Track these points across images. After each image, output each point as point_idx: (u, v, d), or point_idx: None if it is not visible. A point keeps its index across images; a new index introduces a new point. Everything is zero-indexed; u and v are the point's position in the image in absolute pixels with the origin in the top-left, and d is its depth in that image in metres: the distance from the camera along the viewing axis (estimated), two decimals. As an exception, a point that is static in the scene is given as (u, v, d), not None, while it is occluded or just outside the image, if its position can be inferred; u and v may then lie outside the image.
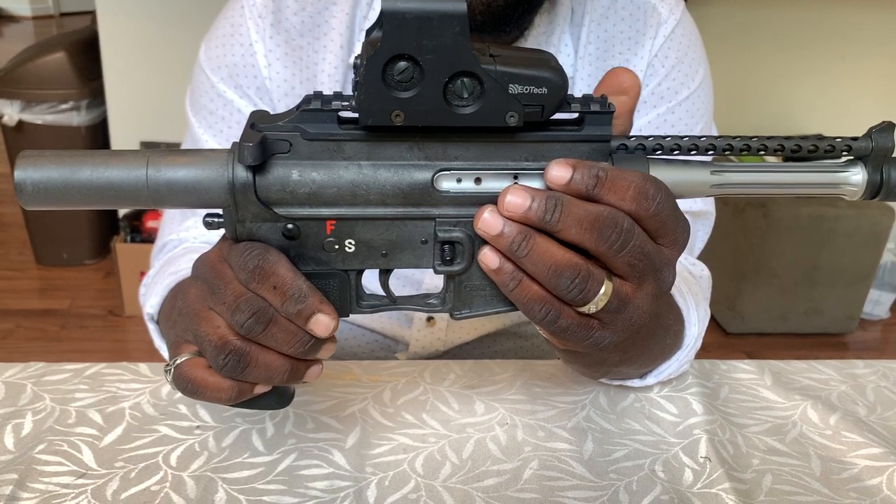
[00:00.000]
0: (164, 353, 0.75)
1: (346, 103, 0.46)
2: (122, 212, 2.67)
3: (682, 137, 0.49)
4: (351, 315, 0.51)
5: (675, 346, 0.73)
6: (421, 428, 0.69)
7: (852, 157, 0.50)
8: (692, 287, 0.78)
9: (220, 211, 0.48)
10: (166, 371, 0.53)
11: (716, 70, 0.95)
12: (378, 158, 0.47)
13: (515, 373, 0.78)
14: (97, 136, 2.69)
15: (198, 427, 0.68)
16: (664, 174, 0.49)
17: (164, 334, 0.72)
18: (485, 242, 0.47)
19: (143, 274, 2.01)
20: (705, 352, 0.79)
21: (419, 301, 0.52)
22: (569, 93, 0.47)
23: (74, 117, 2.63)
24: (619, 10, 0.83)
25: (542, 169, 0.47)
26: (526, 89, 0.44)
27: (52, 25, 6.92)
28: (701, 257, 0.89)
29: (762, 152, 0.50)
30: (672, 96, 0.83)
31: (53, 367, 0.75)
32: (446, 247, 0.49)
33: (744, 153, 0.50)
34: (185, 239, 0.83)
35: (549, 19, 0.82)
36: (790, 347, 2.56)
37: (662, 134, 0.50)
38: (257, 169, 0.46)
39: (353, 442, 0.67)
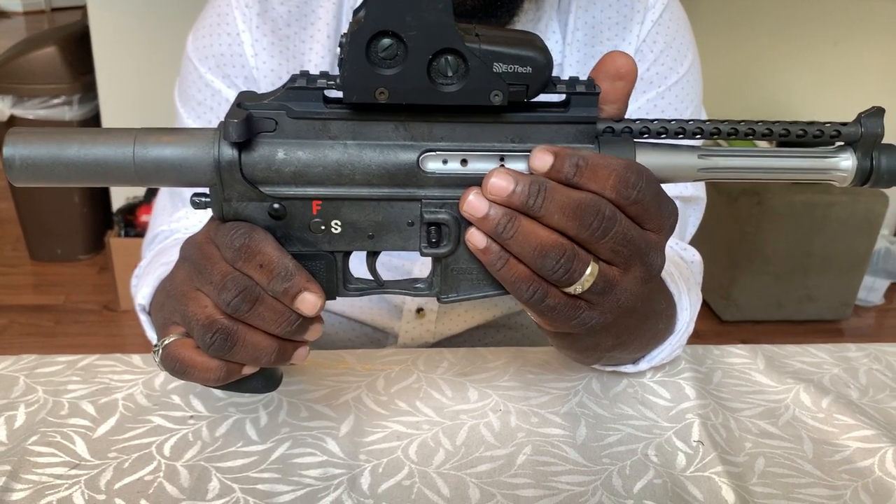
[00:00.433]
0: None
1: (331, 82, 0.46)
2: (115, 206, 2.67)
3: (669, 121, 0.49)
4: (338, 297, 0.51)
5: (667, 330, 0.73)
6: (414, 415, 0.70)
7: (842, 143, 0.50)
8: (683, 272, 0.78)
9: (207, 190, 0.48)
10: (154, 352, 0.53)
11: (708, 55, 0.95)
12: (364, 138, 0.47)
13: (508, 360, 0.78)
14: (90, 131, 2.68)
15: (191, 417, 0.68)
16: (651, 158, 0.49)
17: (154, 321, 0.72)
18: (471, 224, 0.47)
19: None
20: (701, 339, 0.79)
21: (406, 285, 0.52)
22: (556, 76, 0.47)
23: (66, 112, 2.62)
24: None
25: (529, 151, 0.47)
26: (510, 68, 0.44)
27: (43, 21, 6.89)
28: (695, 245, 0.89)
29: (750, 136, 0.49)
30: (661, 81, 0.83)
31: (46, 359, 0.75)
32: (432, 229, 0.49)
33: (732, 137, 0.50)
34: (176, 230, 0.83)
35: (537, 6, 0.82)
36: (785, 334, 2.57)
37: (650, 118, 0.49)
38: (243, 147, 0.46)
39: (347, 430, 0.67)
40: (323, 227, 0.49)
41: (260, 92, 0.81)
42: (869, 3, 2.62)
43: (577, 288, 0.47)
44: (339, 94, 0.45)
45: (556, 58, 0.83)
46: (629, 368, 0.74)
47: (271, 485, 0.61)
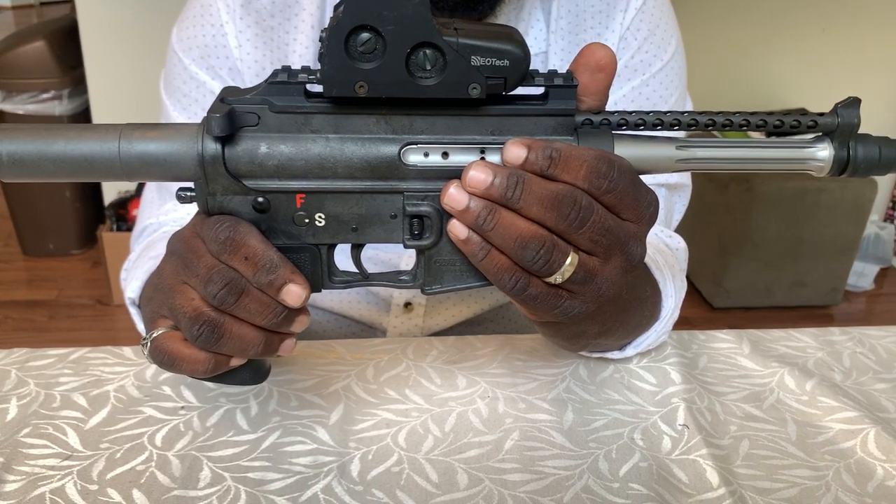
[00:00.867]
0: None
1: (312, 76, 0.47)
2: (107, 200, 2.66)
3: (647, 113, 0.49)
4: (323, 290, 0.52)
5: (652, 317, 0.74)
6: (403, 403, 0.70)
7: (820, 133, 0.50)
8: (668, 259, 0.79)
9: (192, 185, 0.48)
10: (143, 345, 0.54)
11: (695, 43, 0.95)
12: (345, 131, 0.48)
13: (496, 347, 0.79)
14: (80, 126, 2.67)
15: (182, 407, 0.69)
16: (629, 150, 0.49)
17: (143, 314, 0.72)
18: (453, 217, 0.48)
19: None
20: (691, 326, 0.80)
21: (391, 277, 0.53)
22: (537, 68, 0.47)
23: (56, 106, 2.61)
24: None
25: None
26: (488, 61, 0.45)
27: (32, 15, 6.84)
28: (685, 232, 0.90)
29: (727, 127, 0.50)
30: (645, 69, 0.84)
31: (37, 352, 0.76)
32: (415, 221, 0.50)
33: (709, 128, 0.50)
34: (164, 223, 0.84)
35: None
36: (776, 321, 2.59)
37: (628, 109, 0.50)
38: (226, 141, 0.47)
39: (337, 418, 0.68)
40: (307, 220, 0.49)
41: (244, 83, 0.82)
42: (857, -10, 2.62)
43: (557, 278, 0.48)
44: (321, 89, 0.46)
45: (541, 46, 0.84)
46: (615, 355, 0.75)
47: (262, 473, 0.62)
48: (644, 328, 0.73)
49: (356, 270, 0.53)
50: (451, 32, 0.44)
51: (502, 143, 0.48)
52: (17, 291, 2.69)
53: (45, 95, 2.60)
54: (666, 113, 0.49)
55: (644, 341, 0.74)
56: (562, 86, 0.48)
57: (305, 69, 0.47)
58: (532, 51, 0.78)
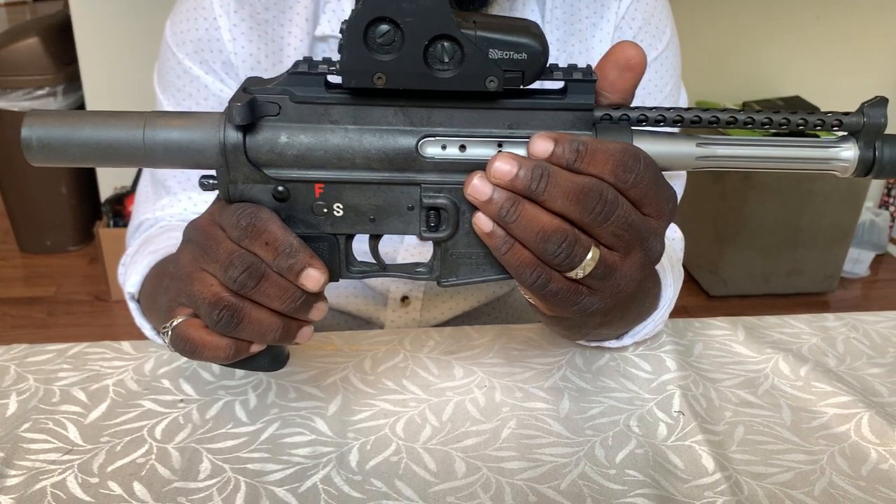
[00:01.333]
0: (147, 331, 0.76)
1: (332, 67, 0.47)
2: (104, 196, 2.66)
3: (667, 109, 0.49)
4: (341, 280, 0.52)
5: (652, 307, 0.74)
6: (401, 393, 0.71)
7: (844, 133, 0.49)
8: (667, 250, 0.79)
9: (214, 172, 0.49)
10: (163, 333, 0.54)
11: (688, 31, 0.95)
12: (364, 123, 0.48)
13: (493, 337, 0.80)
14: (75, 122, 2.67)
15: (181, 400, 0.69)
16: (649, 146, 0.49)
17: (149, 309, 0.73)
18: (472, 209, 0.48)
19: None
20: (688, 314, 0.81)
21: (408, 269, 0.53)
22: (554, 63, 0.47)
23: (51, 103, 2.61)
24: None
25: (527, 137, 0.48)
26: (506, 55, 0.45)
27: (25, 12, 6.82)
28: (682, 221, 0.90)
29: (749, 126, 0.49)
30: None
31: (36, 348, 0.76)
32: (432, 213, 0.50)
33: (730, 126, 0.49)
34: (160, 218, 0.84)
35: None
36: (772, 308, 2.59)
37: (647, 105, 0.50)
38: (247, 130, 0.48)
39: (335, 409, 0.69)
40: (325, 210, 0.50)
41: (238, 77, 0.82)
42: (851, -23, 2.62)
43: (578, 272, 0.48)
44: (340, 80, 0.46)
45: None
46: (613, 344, 0.76)
47: (262, 464, 0.62)
48: (643, 318, 0.74)
49: (373, 261, 0.53)
50: (470, 25, 0.45)
51: (520, 137, 0.48)
52: (14, 288, 2.69)
53: (39, 92, 2.60)
54: (686, 109, 0.49)
55: (642, 331, 0.75)
56: (581, 80, 0.48)
57: (327, 60, 0.47)
58: None
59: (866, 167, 0.49)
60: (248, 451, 0.64)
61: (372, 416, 0.68)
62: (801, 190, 2.46)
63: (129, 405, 0.69)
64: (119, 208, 2.59)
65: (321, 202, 0.50)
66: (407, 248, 0.86)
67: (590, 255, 0.47)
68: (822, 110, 0.49)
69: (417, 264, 0.53)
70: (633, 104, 0.50)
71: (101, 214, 2.63)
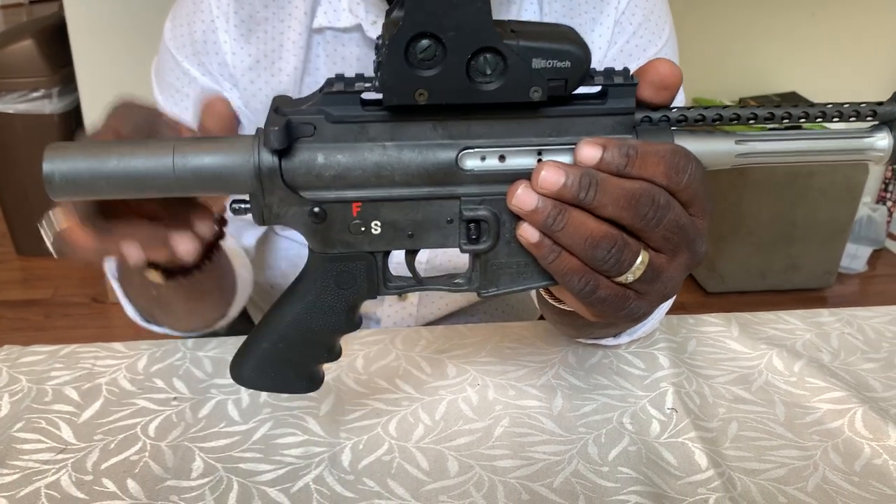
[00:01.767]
0: (130, 310, 0.76)
1: (368, 84, 0.46)
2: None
3: (706, 108, 0.48)
4: (378, 296, 0.51)
5: None
6: (394, 392, 0.71)
7: (877, 122, 0.49)
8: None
9: (246, 197, 0.48)
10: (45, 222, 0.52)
11: (685, 28, 0.95)
12: (402, 139, 0.47)
13: (486, 336, 0.79)
14: (70, 124, 2.67)
15: (174, 399, 0.69)
16: (690, 145, 0.48)
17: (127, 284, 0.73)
18: (514, 219, 0.47)
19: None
20: (686, 311, 0.81)
21: (445, 281, 0.52)
22: (593, 68, 0.47)
23: (47, 105, 2.60)
24: None
25: (567, 144, 0.47)
26: (549, 63, 0.44)
27: (21, 14, 6.81)
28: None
29: (786, 120, 0.49)
30: (640, 54, 0.83)
31: (28, 349, 0.76)
32: (472, 225, 0.49)
33: (768, 122, 0.49)
34: None
35: None
36: (770, 304, 2.59)
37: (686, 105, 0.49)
38: (283, 153, 0.46)
39: (328, 409, 0.69)
40: (363, 229, 0.48)
41: (235, 78, 0.82)
42: (846, -27, 2.62)
43: (627, 277, 0.47)
44: (375, 96, 0.45)
45: None
46: (609, 341, 0.76)
47: (254, 464, 0.62)
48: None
49: (409, 275, 0.52)
50: (510, 35, 0.43)
51: (560, 144, 0.47)
52: (11, 291, 2.69)
53: (34, 94, 2.59)
54: (725, 107, 0.48)
55: (639, 329, 0.75)
56: (622, 84, 0.47)
57: (360, 77, 0.46)
58: None
59: None
60: (240, 450, 0.64)
61: (364, 416, 0.68)
62: (797, 185, 2.46)
63: (122, 403, 0.69)
64: (116, 209, 2.58)
65: (359, 221, 0.48)
66: (420, 260, 0.86)
67: (639, 260, 0.47)
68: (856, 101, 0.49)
69: (454, 275, 0.52)
70: None
71: (97, 216, 2.63)
